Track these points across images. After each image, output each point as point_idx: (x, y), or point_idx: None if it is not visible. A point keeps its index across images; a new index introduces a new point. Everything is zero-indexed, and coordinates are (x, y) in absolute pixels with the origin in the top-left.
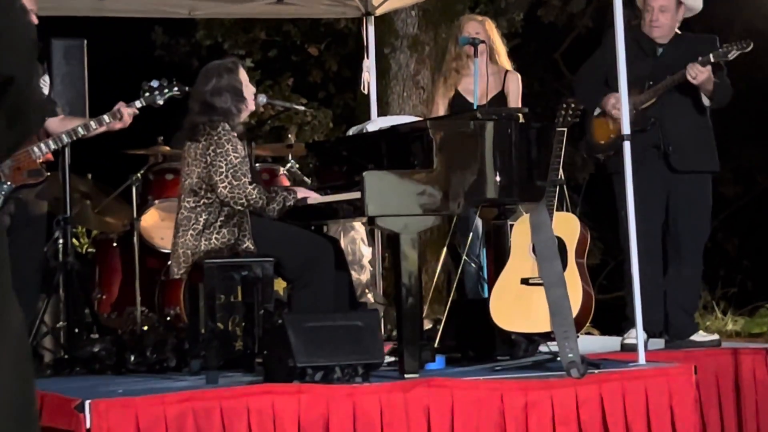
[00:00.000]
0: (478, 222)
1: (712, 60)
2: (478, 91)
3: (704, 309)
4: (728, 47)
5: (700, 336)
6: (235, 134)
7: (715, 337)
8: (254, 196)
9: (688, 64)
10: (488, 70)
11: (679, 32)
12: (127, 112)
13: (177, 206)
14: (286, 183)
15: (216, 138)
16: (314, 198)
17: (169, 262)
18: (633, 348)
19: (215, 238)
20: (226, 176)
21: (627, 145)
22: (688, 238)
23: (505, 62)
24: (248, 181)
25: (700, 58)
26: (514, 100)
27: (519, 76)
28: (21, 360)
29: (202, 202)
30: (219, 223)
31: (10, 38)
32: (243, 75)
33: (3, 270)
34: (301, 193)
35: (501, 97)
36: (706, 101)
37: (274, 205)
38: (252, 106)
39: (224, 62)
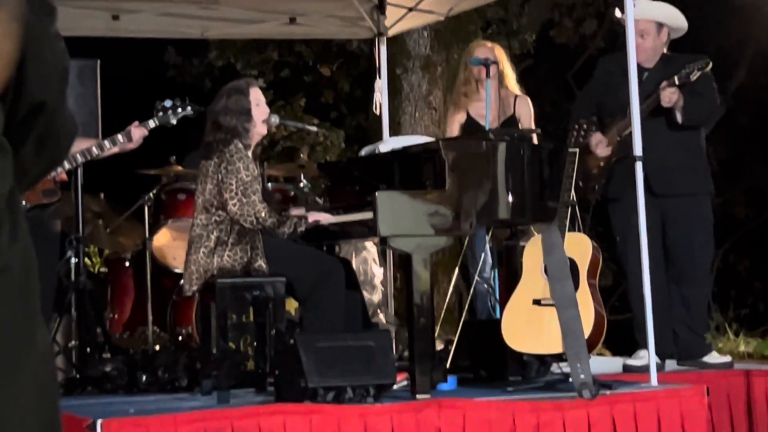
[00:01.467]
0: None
1: (676, 82)
2: (490, 115)
3: (716, 330)
4: (690, 67)
5: (713, 357)
6: (247, 154)
7: (728, 359)
8: (263, 215)
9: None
10: (499, 94)
11: (668, 53)
12: (138, 134)
13: (191, 225)
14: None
15: (228, 155)
16: (326, 218)
17: (182, 281)
18: (633, 369)
19: (228, 255)
20: (236, 193)
21: (639, 166)
22: (689, 259)
23: (515, 87)
24: (258, 199)
25: (665, 82)
26: (527, 123)
27: (529, 100)
28: (47, 383)
29: (213, 219)
30: (231, 241)
31: (43, 65)
32: (254, 96)
33: (33, 290)
34: (312, 216)
35: (512, 121)
36: (678, 117)
37: (285, 228)
38: (264, 129)
39: (237, 83)
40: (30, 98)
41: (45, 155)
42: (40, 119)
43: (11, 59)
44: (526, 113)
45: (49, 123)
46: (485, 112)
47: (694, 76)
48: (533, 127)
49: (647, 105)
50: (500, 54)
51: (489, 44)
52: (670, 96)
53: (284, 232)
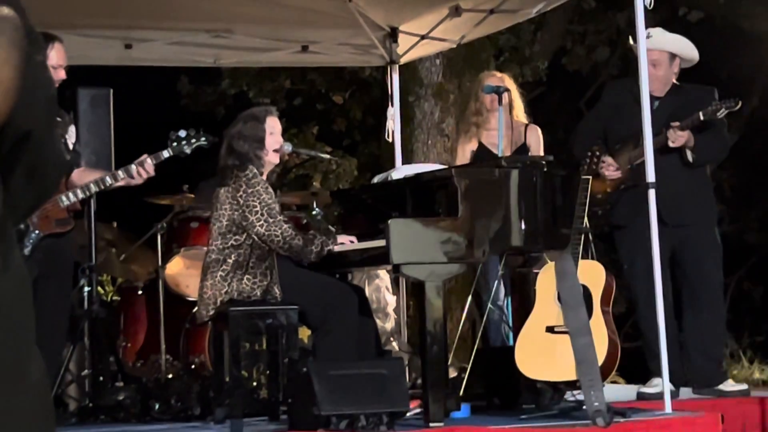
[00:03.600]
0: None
1: (702, 118)
2: (502, 143)
3: (731, 357)
4: (718, 105)
5: (729, 386)
6: (264, 180)
7: (744, 386)
8: (290, 233)
9: (682, 117)
10: (510, 122)
11: (677, 83)
12: (144, 169)
13: (205, 254)
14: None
15: (245, 179)
16: (353, 242)
17: (195, 309)
18: (647, 397)
19: (246, 279)
20: (262, 215)
21: (652, 193)
22: (701, 286)
23: (523, 117)
24: (283, 220)
25: (677, 123)
26: (536, 152)
27: (539, 129)
28: (40, 413)
29: (230, 243)
30: (251, 265)
31: (27, 93)
32: (270, 124)
33: (27, 321)
34: (340, 238)
35: (524, 150)
36: (689, 157)
37: (312, 248)
38: (276, 159)
39: (256, 110)
40: (17, 127)
41: (34, 187)
42: (27, 149)
43: (12, 86)
44: (536, 142)
45: (37, 153)
46: (496, 140)
47: (722, 114)
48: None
49: (656, 141)
50: (510, 84)
51: (498, 74)
52: (677, 138)
53: (311, 251)
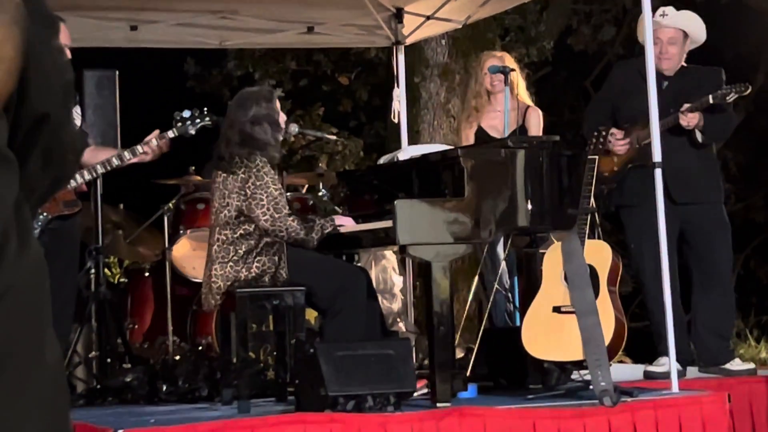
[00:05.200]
0: (509, 250)
1: (711, 101)
2: (501, 125)
3: (738, 337)
4: (728, 90)
5: (736, 365)
6: (271, 169)
7: (752, 365)
8: (295, 227)
9: (690, 97)
10: (513, 104)
11: (685, 64)
12: (157, 145)
13: (209, 236)
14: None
15: (255, 170)
16: (346, 227)
17: (202, 291)
18: (654, 376)
19: (255, 265)
20: (268, 209)
21: (659, 173)
22: (710, 265)
23: (525, 97)
24: (288, 213)
25: (688, 106)
26: (535, 134)
27: (540, 112)
28: (56, 398)
29: (238, 233)
30: (258, 250)
31: (45, 76)
32: (278, 104)
33: (44, 304)
34: (339, 219)
35: (522, 132)
36: (699, 137)
37: (313, 234)
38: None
39: (261, 90)
40: (33, 110)
41: (51, 170)
42: (44, 132)
43: (13, 64)
44: (535, 124)
45: (54, 136)
46: (498, 122)
47: (731, 99)
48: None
49: (666, 122)
50: (510, 63)
51: (498, 54)
52: (690, 120)
53: (313, 238)
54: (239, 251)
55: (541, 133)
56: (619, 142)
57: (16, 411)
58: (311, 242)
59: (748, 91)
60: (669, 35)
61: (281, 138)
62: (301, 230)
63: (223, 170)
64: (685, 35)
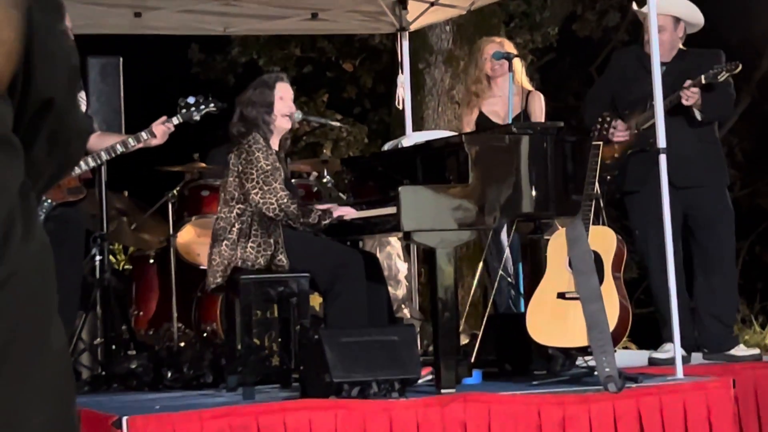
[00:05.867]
0: (513, 237)
1: (703, 81)
2: (503, 111)
3: (742, 322)
4: (718, 68)
5: (740, 350)
6: (267, 145)
7: (756, 351)
8: (286, 201)
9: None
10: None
11: (684, 48)
12: (162, 130)
13: (215, 220)
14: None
15: (246, 147)
16: (351, 213)
17: (207, 273)
18: (659, 362)
19: (250, 247)
20: (257, 182)
21: (663, 158)
22: (713, 250)
23: (526, 83)
24: (279, 187)
25: (689, 81)
26: (538, 119)
27: (542, 96)
28: (61, 383)
29: (234, 212)
30: (253, 233)
31: (50, 61)
32: (280, 90)
33: (50, 290)
34: (338, 211)
35: (525, 117)
36: (697, 115)
37: (308, 220)
38: (287, 124)
39: (266, 76)
40: (38, 95)
41: (57, 155)
42: (49, 117)
43: (13, 47)
44: (538, 109)
45: (59, 122)
46: (499, 107)
47: (722, 77)
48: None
49: (668, 103)
50: (510, 49)
51: (498, 39)
52: (691, 96)
53: (307, 223)
54: (233, 231)
55: (543, 118)
56: (619, 133)
57: (22, 397)
58: (306, 225)
59: (738, 69)
60: (657, 22)
61: (275, 122)
62: (291, 205)
63: (230, 150)
64: (677, 20)
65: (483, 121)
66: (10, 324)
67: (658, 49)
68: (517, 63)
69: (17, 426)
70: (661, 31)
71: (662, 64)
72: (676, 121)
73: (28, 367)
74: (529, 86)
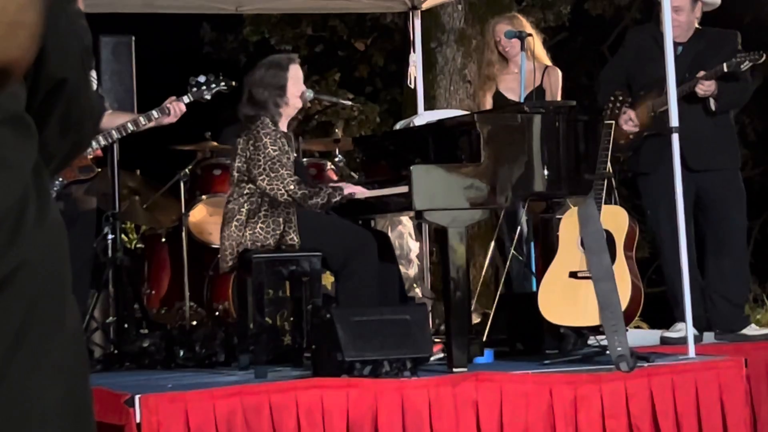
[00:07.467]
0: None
1: (725, 69)
2: (518, 87)
3: (754, 302)
4: (742, 58)
5: (752, 329)
6: (276, 129)
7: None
8: (292, 187)
9: (705, 62)
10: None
11: (700, 27)
12: (176, 108)
13: (225, 202)
14: (334, 177)
15: (255, 132)
16: (362, 192)
17: (219, 257)
18: (670, 341)
19: (260, 227)
20: (264, 169)
21: (675, 138)
22: (724, 231)
23: (544, 58)
24: (287, 173)
25: (702, 74)
26: (555, 94)
27: (559, 71)
28: (76, 365)
29: (244, 192)
30: (263, 213)
31: (63, 41)
32: (293, 72)
33: (64, 271)
34: (348, 188)
35: (540, 92)
36: (713, 105)
37: (318, 200)
38: (299, 103)
39: (278, 57)
40: (51, 75)
41: (70, 136)
42: (62, 98)
43: (36, 30)
44: (554, 83)
45: (72, 102)
46: (516, 84)
47: (745, 67)
48: (559, 97)
49: (681, 90)
50: (523, 24)
51: (509, 15)
52: (707, 88)
53: (317, 203)
54: (242, 211)
55: (560, 92)
56: (629, 122)
57: (37, 378)
58: (314, 206)
59: (763, 59)
60: (674, 3)
61: (285, 105)
62: (299, 191)
63: (239, 132)
64: (694, 1)
65: (499, 99)
66: (27, 305)
67: (675, 29)
68: (534, 38)
69: (31, 406)
70: (678, 11)
71: (679, 44)
72: (691, 106)
73: (44, 347)
74: (547, 61)
